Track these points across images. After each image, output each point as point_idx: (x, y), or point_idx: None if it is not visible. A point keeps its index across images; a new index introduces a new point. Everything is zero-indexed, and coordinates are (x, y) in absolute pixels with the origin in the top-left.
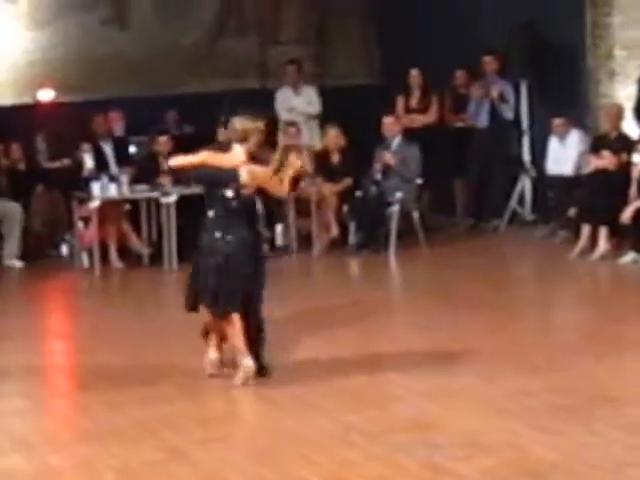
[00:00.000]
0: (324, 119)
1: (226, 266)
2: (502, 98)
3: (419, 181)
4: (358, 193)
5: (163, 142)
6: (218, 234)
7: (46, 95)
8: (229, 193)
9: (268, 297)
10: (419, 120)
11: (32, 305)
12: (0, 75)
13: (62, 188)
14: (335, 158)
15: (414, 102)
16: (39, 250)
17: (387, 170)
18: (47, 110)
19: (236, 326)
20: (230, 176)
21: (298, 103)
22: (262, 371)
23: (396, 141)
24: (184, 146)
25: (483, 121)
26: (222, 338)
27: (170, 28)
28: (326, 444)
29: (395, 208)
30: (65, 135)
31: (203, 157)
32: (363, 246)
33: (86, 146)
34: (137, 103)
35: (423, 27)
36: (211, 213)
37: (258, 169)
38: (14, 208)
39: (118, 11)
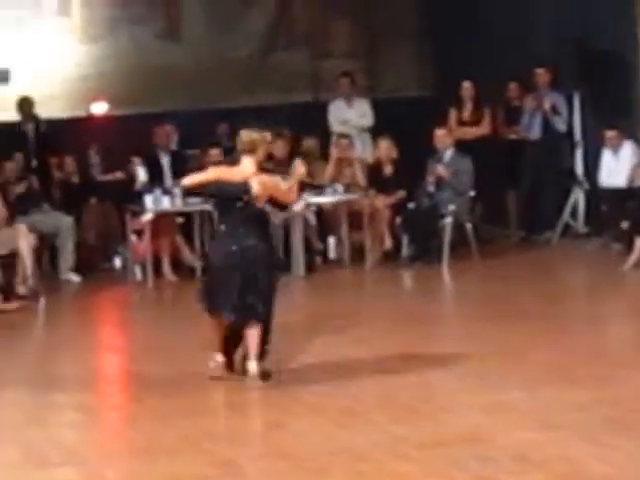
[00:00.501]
0: (376, 131)
1: (243, 278)
2: (555, 110)
3: (472, 193)
4: (411, 205)
5: (215, 155)
6: (233, 246)
7: (99, 108)
8: (241, 205)
9: (321, 309)
10: (472, 132)
11: (86, 317)
12: (54, 88)
13: (115, 201)
14: (387, 170)
15: (466, 114)
16: (92, 263)
17: (440, 183)
18: (100, 123)
19: (254, 334)
20: (242, 189)
21: (351, 116)
22: (265, 375)
23: (448, 153)
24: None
25: (536, 133)
26: (235, 344)
27: (222, 42)
28: (377, 457)
29: (448, 220)
30: (118, 148)
31: (214, 173)
32: (416, 258)
33: (137, 159)
34: (189, 116)
35: (475, 39)
36: (223, 226)
37: (268, 179)
38: (67, 221)
39: (171, 25)
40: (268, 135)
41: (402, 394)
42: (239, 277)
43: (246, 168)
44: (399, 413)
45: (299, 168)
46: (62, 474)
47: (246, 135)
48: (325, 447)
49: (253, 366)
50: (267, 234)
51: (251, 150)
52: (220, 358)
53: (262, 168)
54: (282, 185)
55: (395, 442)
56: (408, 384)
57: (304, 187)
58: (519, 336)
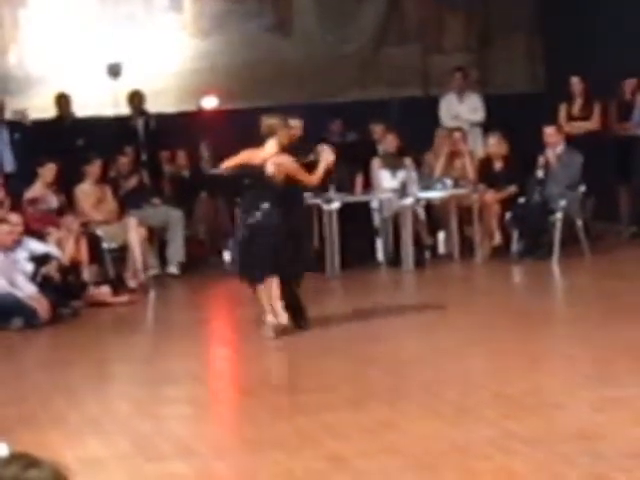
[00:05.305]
0: (487, 127)
1: (266, 246)
2: None
3: (582, 189)
4: (521, 200)
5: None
6: (251, 219)
7: (209, 103)
8: (261, 184)
9: (430, 303)
10: (581, 127)
11: (195, 311)
12: (164, 83)
13: (225, 195)
14: (498, 165)
15: (576, 109)
16: (202, 257)
17: (548, 169)
18: (210, 118)
19: (267, 291)
20: (260, 170)
21: (462, 110)
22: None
23: (558, 149)
24: (347, 153)
25: None
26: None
27: (332, 36)
28: (487, 453)
29: (559, 215)
30: (228, 143)
31: (242, 156)
32: (526, 254)
33: None
34: (299, 111)
35: (587, 35)
36: (248, 202)
37: (285, 159)
38: (176, 215)
39: (281, 20)
40: (285, 120)
41: (512, 390)
42: (264, 245)
43: (268, 149)
44: (510, 409)
45: (327, 155)
46: (173, 467)
47: (265, 120)
48: (435, 444)
49: (270, 318)
50: (293, 210)
51: (270, 134)
52: (271, 319)
53: (284, 149)
54: (300, 168)
55: (505, 438)
56: (518, 380)
57: (331, 174)
58: (632, 333)
